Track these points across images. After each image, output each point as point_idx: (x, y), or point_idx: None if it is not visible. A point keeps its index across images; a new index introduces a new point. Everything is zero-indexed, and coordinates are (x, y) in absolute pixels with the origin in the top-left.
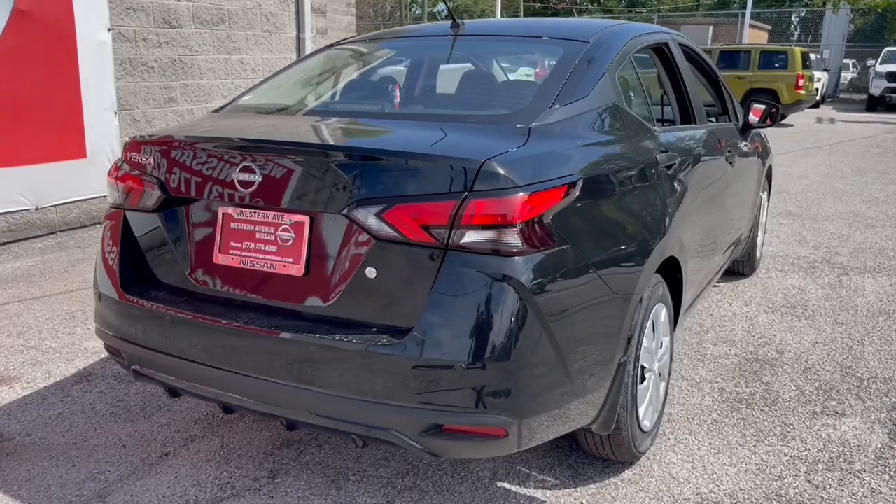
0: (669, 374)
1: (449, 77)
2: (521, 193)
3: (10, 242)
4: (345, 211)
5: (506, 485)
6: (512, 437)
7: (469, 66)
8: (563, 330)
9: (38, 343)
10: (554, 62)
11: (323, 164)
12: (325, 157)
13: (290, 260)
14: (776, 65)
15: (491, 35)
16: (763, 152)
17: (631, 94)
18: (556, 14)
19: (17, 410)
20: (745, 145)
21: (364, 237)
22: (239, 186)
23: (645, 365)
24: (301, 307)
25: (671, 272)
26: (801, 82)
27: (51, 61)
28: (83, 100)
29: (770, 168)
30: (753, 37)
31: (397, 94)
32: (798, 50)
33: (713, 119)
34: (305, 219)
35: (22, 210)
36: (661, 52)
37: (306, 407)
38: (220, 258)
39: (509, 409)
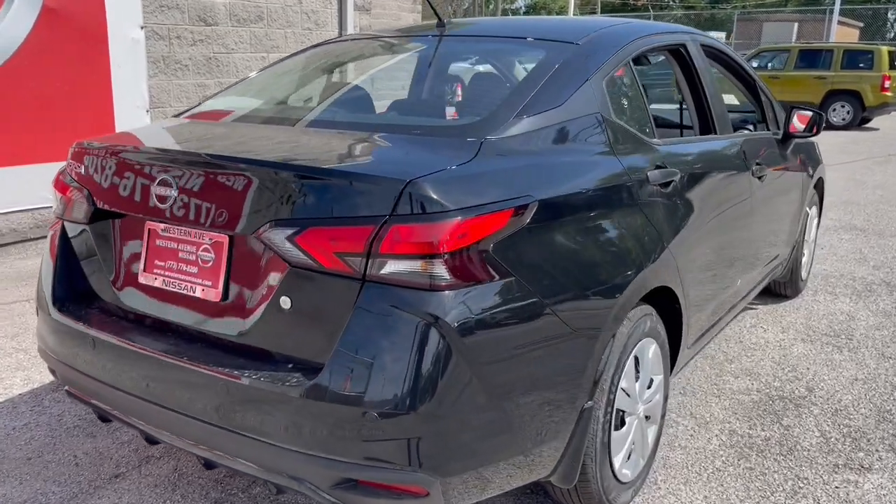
0: (664, 415)
1: (417, 81)
2: (452, 219)
3: (38, 238)
4: (259, 232)
5: None
6: (435, 496)
7: (439, 69)
8: (503, 375)
9: (29, 346)
10: (531, 66)
11: (240, 180)
12: (241, 171)
13: (210, 283)
14: (860, 65)
15: (476, 36)
16: (809, 163)
17: (626, 102)
18: (635, 11)
19: None
20: (785, 157)
21: (280, 262)
22: (157, 201)
23: (624, 409)
24: (217, 336)
25: (668, 302)
26: (887, 83)
27: (81, 59)
28: (114, 98)
29: (820, 180)
30: (842, 35)
31: (354, 101)
32: (885, 49)
33: (751, 127)
34: (225, 239)
35: (51, 207)
36: (678, 54)
37: (219, 447)
38: (144, 277)
39: (429, 465)
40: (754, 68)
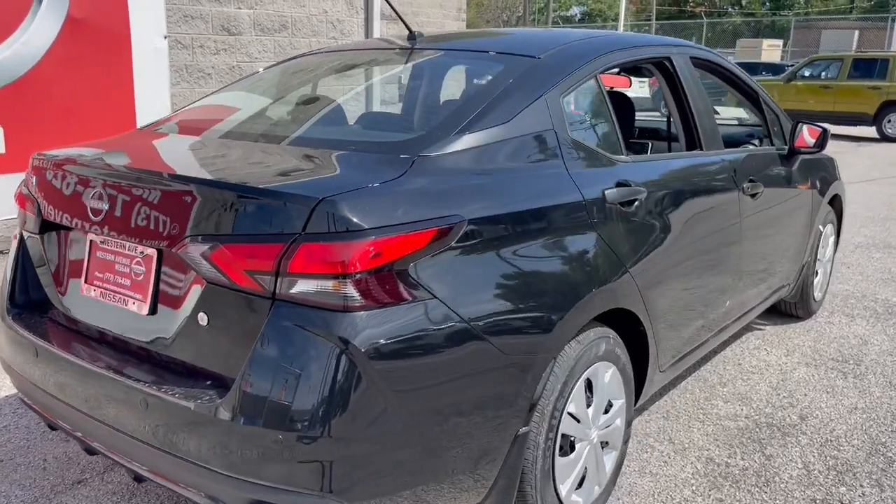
0: (626, 440)
1: (369, 97)
2: (365, 238)
3: None
4: (178, 247)
5: None
6: None
7: (393, 84)
8: (422, 400)
9: None
10: (484, 82)
11: (165, 195)
12: (166, 187)
13: (140, 296)
14: None
15: (440, 50)
16: (821, 180)
17: (589, 118)
18: (692, 18)
19: None
20: (790, 173)
21: (199, 278)
22: (93, 214)
23: (573, 434)
24: (145, 349)
25: (633, 325)
26: None
27: (105, 68)
28: (137, 106)
29: (837, 198)
30: None
31: (301, 114)
32: None
33: (757, 142)
34: (154, 252)
35: None
36: (662, 67)
37: (144, 462)
38: (85, 288)
39: (338, 489)
40: (806, 77)
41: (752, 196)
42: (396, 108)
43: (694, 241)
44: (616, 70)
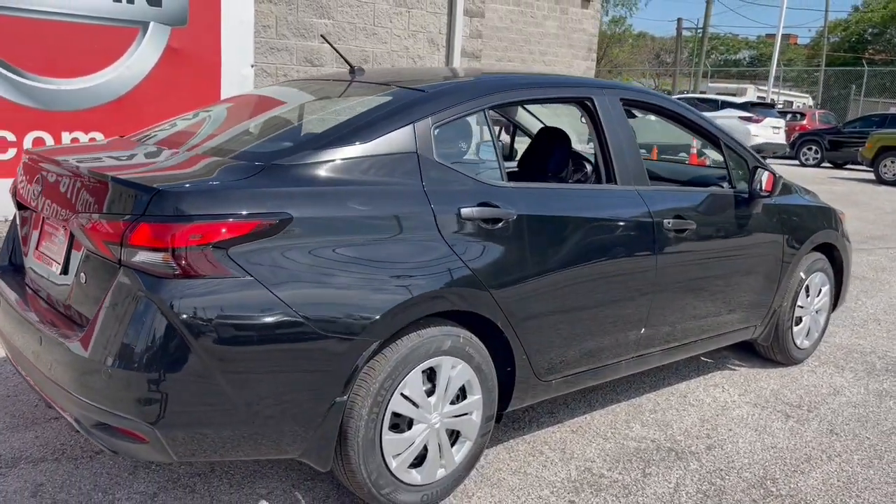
0: (485, 434)
1: (278, 116)
2: (190, 222)
3: None
4: (72, 222)
5: (265, 503)
6: (155, 444)
7: (302, 108)
8: (231, 358)
9: None
10: (367, 108)
11: (74, 182)
12: (75, 176)
13: (57, 259)
14: None
15: (364, 82)
16: (799, 226)
17: (464, 146)
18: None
19: None
20: (747, 216)
21: (81, 246)
22: (42, 197)
23: (409, 415)
24: (56, 301)
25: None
26: None
27: (196, 91)
28: None
29: (828, 246)
30: None
31: (229, 129)
32: None
33: (721, 184)
34: (64, 226)
35: None
36: (585, 107)
37: (46, 390)
38: (35, 253)
39: (148, 418)
40: None
41: (678, 232)
42: (285, 127)
43: (580, 266)
44: (515, 105)
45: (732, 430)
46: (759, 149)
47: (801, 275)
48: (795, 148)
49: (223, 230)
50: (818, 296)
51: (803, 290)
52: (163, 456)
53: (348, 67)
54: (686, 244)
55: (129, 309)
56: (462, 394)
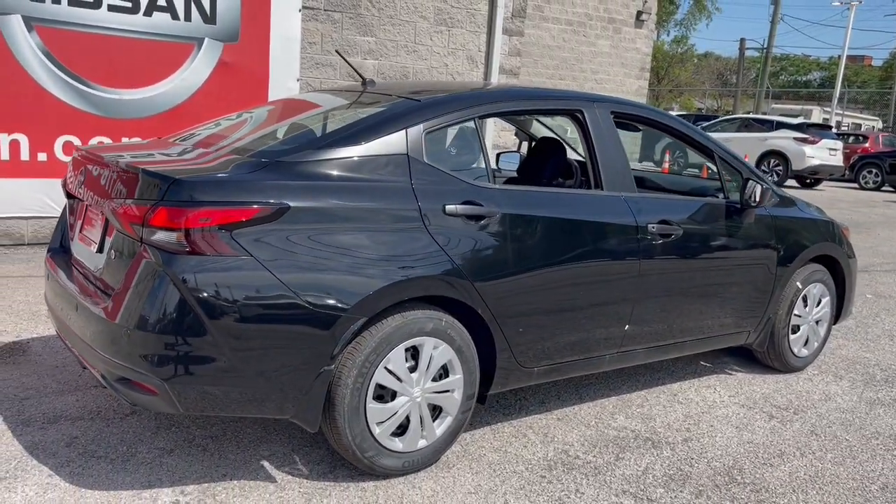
0: (466, 411)
1: (300, 121)
2: (199, 207)
3: None
4: (106, 207)
5: (266, 463)
6: (164, 396)
7: (319, 114)
8: (226, 323)
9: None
10: (368, 115)
11: (109, 174)
12: (111, 168)
13: (95, 241)
14: None
15: (373, 93)
16: (794, 237)
17: (454, 150)
18: None
19: None
20: (737, 225)
21: (113, 228)
22: (85, 188)
23: (393, 388)
24: (93, 275)
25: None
26: None
27: (244, 101)
28: None
29: (829, 259)
30: None
31: (248, 130)
32: None
33: (716, 194)
34: (101, 212)
35: None
36: (575, 118)
37: (81, 351)
38: (79, 237)
39: (159, 374)
40: None
41: (663, 237)
42: (299, 131)
43: (561, 264)
44: (504, 115)
45: (714, 426)
46: (815, 171)
47: (798, 285)
48: (855, 170)
49: (228, 215)
50: (817, 306)
51: (800, 300)
52: (171, 407)
53: (360, 80)
54: (672, 249)
55: (146, 280)
56: (445, 372)
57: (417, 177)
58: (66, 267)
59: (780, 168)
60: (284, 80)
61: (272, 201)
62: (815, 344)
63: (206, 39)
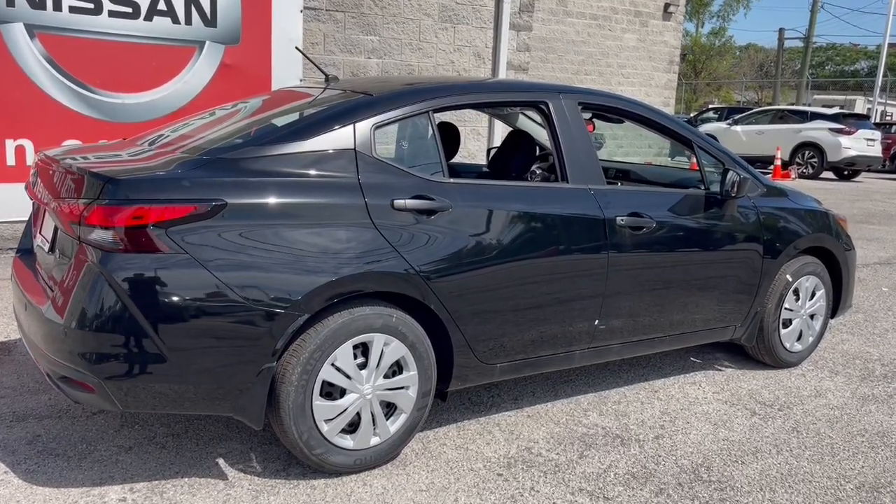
0: (422, 408)
1: (249, 119)
2: (132, 205)
3: None
4: (50, 206)
5: (221, 461)
6: (102, 394)
7: (273, 112)
8: (162, 321)
9: None
10: (317, 110)
11: (61, 176)
12: (62, 170)
13: (48, 239)
14: None
15: (333, 89)
16: (782, 229)
17: (405, 144)
18: None
19: None
20: (718, 217)
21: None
22: (40, 188)
23: (341, 385)
24: (45, 276)
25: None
26: None
27: None
28: None
29: (824, 251)
30: None
31: (207, 129)
32: None
33: (700, 185)
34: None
35: None
36: (540, 110)
37: (31, 349)
38: (37, 237)
39: (95, 372)
40: None
41: (633, 230)
42: (261, 127)
43: (522, 259)
44: (461, 108)
45: (690, 423)
46: (852, 162)
47: (788, 277)
48: None
49: (162, 213)
50: (811, 299)
51: (791, 294)
52: (110, 405)
53: (324, 76)
54: (645, 243)
55: (83, 278)
56: (399, 369)
57: (365, 172)
58: (27, 267)
59: (815, 160)
60: (287, 82)
61: (208, 198)
62: (810, 338)
63: (208, 42)
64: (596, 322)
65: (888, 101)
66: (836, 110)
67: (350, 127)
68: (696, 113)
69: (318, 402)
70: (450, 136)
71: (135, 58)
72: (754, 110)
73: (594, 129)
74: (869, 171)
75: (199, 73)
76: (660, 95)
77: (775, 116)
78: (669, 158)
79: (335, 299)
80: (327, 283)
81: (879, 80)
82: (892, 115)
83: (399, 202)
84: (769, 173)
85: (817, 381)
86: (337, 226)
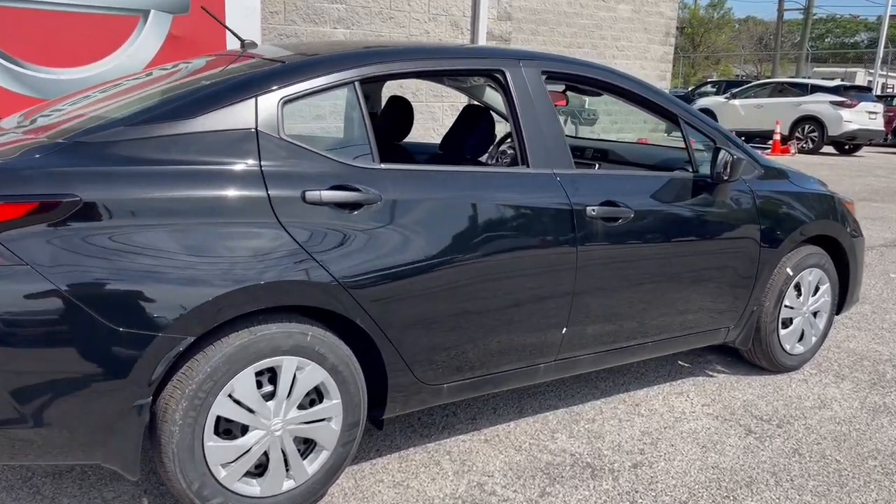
0: (349, 443)
1: (144, 92)
2: None
3: None
4: None
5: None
6: None
7: (167, 83)
8: (8, 353)
9: None
10: (213, 81)
11: None
12: None
13: None
14: None
15: (246, 56)
16: (782, 216)
17: (325, 123)
18: None
19: None
20: (708, 204)
21: None
22: None
23: (242, 421)
24: None
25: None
26: None
27: None
28: None
29: (831, 241)
30: None
31: (96, 101)
32: None
33: (688, 167)
34: None
35: None
36: (497, 80)
37: None
38: None
39: None
40: None
41: (607, 221)
42: (142, 104)
43: (471, 259)
44: (397, 78)
45: (675, 445)
46: (853, 136)
47: (789, 271)
48: None
49: None
50: (814, 295)
51: (791, 289)
52: None
53: (240, 42)
54: (621, 235)
55: None
56: (320, 397)
57: (269, 157)
58: None
59: (816, 134)
60: None
61: (55, 193)
62: (813, 339)
63: (153, 11)
64: (563, 331)
65: (889, 74)
66: (837, 82)
67: (250, 102)
68: (693, 87)
69: (212, 443)
70: (401, 113)
71: (70, 29)
72: (753, 83)
73: (567, 102)
74: (871, 145)
75: (144, 45)
76: (655, 69)
77: (774, 89)
78: (665, 135)
79: (228, 317)
80: (215, 298)
81: (881, 51)
82: (892, 88)
83: (312, 194)
84: (768, 148)
85: (821, 388)
86: (229, 225)
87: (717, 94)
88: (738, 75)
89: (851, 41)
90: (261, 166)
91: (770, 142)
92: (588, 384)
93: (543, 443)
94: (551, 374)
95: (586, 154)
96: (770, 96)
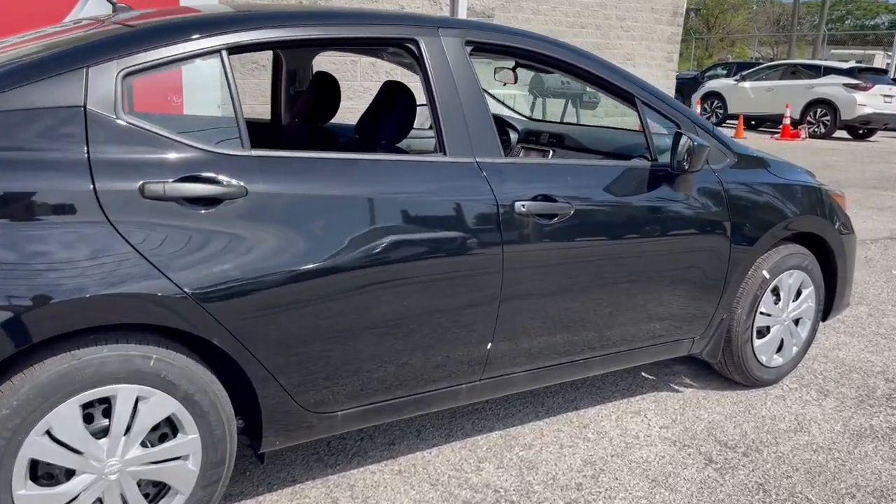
0: (214, 485)
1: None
2: None
3: None
4: None
5: None
6: None
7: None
8: None
9: None
10: (34, 50)
11: None
12: None
13: None
14: None
15: (112, 22)
16: (758, 210)
17: (178, 100)
18: None
19: None
20: (669, 197)
21: None
22: None
23: (69, 466)
24: None
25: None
26: None
27: None
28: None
29: (818, 239)
30: None
31: None
32: None
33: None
34: None
35: None
36: (411, 52)
37: None
38: None
39: None
40: None
41: (542, 218)
42: None
43: (366, 264)
44: (274, 47)
45: (620, 479)
46: (867, 120)
47: (765, 273)
48: None
49: None
50: (795, 300)
51: (768, 294)
52: None
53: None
54: (560, 235)
55: None
56: (173, 431)
57: (100, 142)
58: None
59: (828, 118)
60: None
61: None
62: (794, 349)
63: None
64: (488, 346)
65: None
66: (851, 64)
67: (78, 74)
68: (702, 70)
69: (25, 492)
70: (326, 92)
71: (8, 2)
72: (764, 65)
73: (517, 81)
74: (886, 129)
75: (92, 11)
76: (662, 50)
77: (786, 71)
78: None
79: (39, 339)
80: (16, 317)
81: None
82: None
83: (154, 187)
84: (778, 133)
85: (800, 406)
86: (43, 226)
87: (727, 75)
88: (753, 58)
89: (872, 23)
90: (88, 153)
91: (780, 126)
92: (533, 401)
93: (466, 475)
94: (476, 395)
95: (542, 139)
96: (781, 78)
